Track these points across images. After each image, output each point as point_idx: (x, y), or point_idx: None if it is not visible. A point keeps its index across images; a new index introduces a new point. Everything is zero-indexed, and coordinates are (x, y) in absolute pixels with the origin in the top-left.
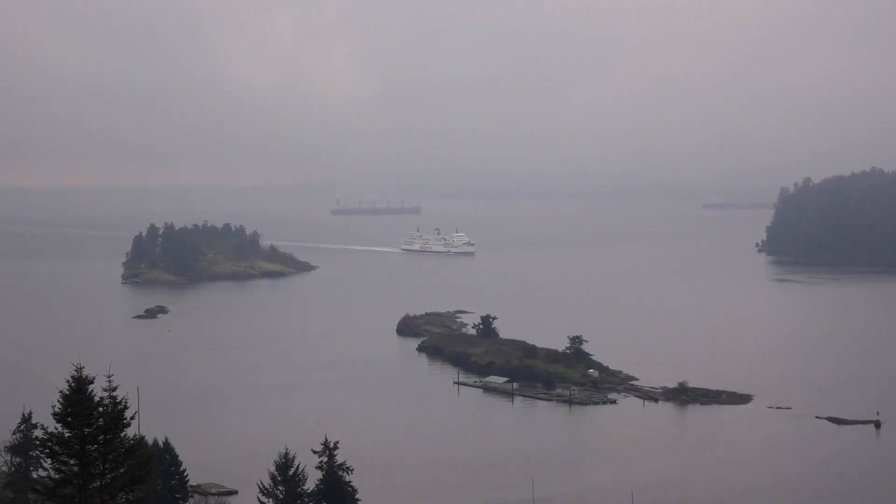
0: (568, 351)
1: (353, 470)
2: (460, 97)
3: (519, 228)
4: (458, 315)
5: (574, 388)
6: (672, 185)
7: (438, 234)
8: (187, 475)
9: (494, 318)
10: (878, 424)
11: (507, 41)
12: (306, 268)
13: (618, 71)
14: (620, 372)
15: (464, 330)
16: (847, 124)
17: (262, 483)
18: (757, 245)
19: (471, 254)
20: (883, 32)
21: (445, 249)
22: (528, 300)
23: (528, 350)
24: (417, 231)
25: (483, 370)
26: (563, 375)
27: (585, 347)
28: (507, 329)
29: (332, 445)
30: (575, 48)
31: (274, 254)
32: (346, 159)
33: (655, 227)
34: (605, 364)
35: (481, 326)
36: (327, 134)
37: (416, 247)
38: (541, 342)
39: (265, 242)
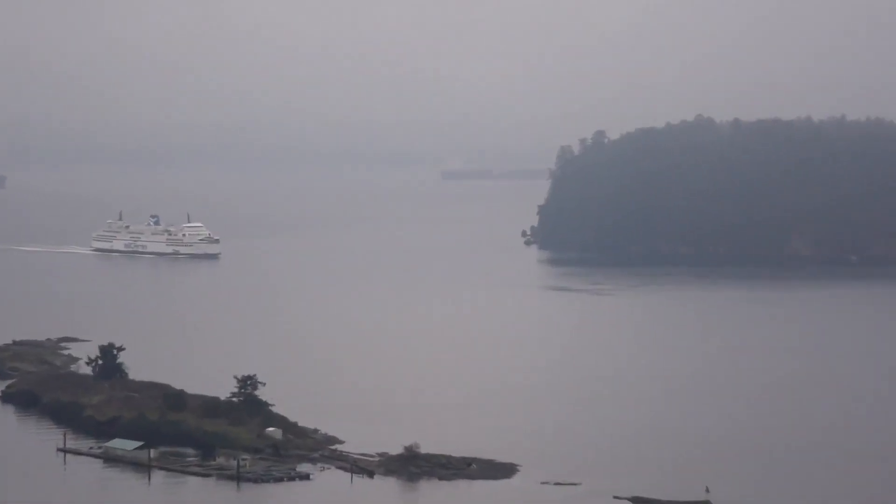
0: (236, 399)
1: None
2: None
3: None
4: (65, 345)
5: (245, 456)
6: (381, 146)
7: (157, 224)
8: None
9: (120, 350)
10: None
11: None
12: None
13: None
14: (316, 431)
15: (73, 368)
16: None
17: None
18: (524, 234)
19: (214, 256)
20: None
21: (171, 249)
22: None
23: (174, 398)
24: (121, 219)
25: (104, 430)
26: (227, 437)
27: (262, 393)
28: (141, 366)
29: None
30: None
31: None
32: None
33: (375, 207)
34: (292, 419)
35: (100, 362)
36: None
37: (119, 245)
38: (193, 385)
39: None
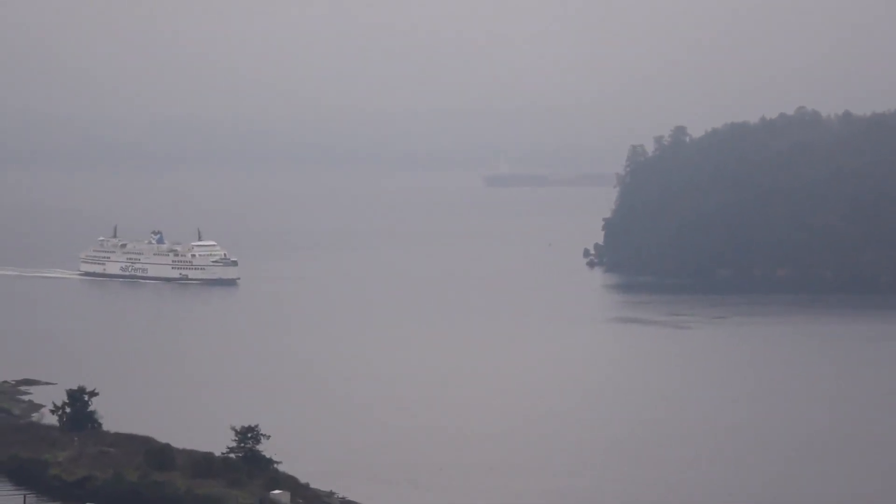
0: (234, 455)
1: None
2: None
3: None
4: (25, 389)
5: None
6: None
7: (161, 241)
8: None
9: (93, 395)
10: None
11: None
12: None
13: None
14: (332, 494)
15: (35, 417)
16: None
17: None
18: (587, 254)
19: (231, 281)
20: None
21: (178, 273)
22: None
23: (159, 454)
24: (115, 236)
25: (72, 492)
26: (223, 502)
27: (267, 448)
28: (118, 415)
29: None
30: None
31: None
32: None
33: (409, 219)
34: (302, 480)
35: (68, 410)
36: None
37: (113, 268)
38: (182, 439)
39: None
